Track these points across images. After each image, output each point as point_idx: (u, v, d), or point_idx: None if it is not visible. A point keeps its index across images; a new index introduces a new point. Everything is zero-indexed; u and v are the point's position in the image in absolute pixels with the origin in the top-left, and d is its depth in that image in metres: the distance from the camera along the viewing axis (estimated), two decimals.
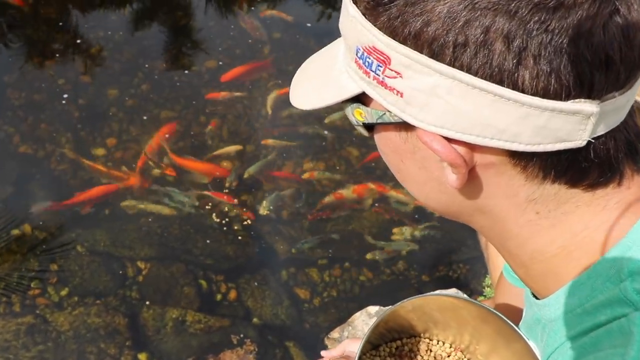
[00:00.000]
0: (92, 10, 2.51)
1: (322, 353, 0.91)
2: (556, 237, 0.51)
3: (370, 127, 0.54)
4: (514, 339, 0.87)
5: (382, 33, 0.46)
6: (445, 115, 0.46)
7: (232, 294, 1.72)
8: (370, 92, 0.49)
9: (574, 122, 0.44)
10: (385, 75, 0.47)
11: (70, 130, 2.05)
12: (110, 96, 2.17)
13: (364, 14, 0.47)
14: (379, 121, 0.50)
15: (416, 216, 1.91)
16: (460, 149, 0.47)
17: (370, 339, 0.88)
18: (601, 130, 0.45)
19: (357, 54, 0.49)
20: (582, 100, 0.43)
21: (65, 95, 2.15)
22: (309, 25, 2.55)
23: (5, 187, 1.87)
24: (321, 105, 0.54)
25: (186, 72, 2.31)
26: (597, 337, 0.48)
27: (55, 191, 1.89)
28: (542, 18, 0.41)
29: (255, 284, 1.76)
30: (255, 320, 1.67)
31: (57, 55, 2.29)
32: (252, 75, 2.27)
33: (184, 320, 1.62)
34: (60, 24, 2.42)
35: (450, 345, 1.03)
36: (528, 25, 0.42)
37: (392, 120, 0.49)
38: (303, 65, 0.60)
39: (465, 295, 0.94)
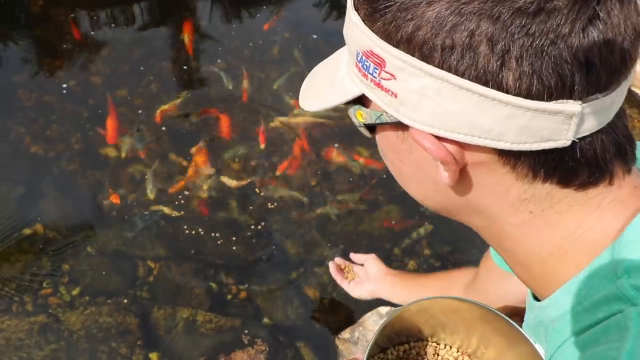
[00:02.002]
0: (101, 11, 2.52)
1: None
2: (551, 236, 0.53)
3: (371, 129, 0.57)
4: (519, 341, 0.87)
5: (378, 37, 0.49)
6: (435, 114, 0.48)
7: (243, 294, 1.73)
8: (368, 94, 0.52)
9: (557, 122, 0.46)
10: (381, 78, 0.50)
11: (80, 131, 2.06)
12: (119, 96, 2.18)
13: (363, 20, 0.50)
14: (377, 121, 0.53)
15: (427, 214, 1.91)
16: (451, 147, 0.50)
17: (378, 342, 0.89)
18: (586, 131, 0.47)
19: (357, 58, 0.52)
20: (564, 100, 0.45)
21: (75, 96, 2.16)
22: (317, 28, 2.55)
23: (17, 187, 1.88)
24: (326, 107, 0.58)
25: (196, 73, 2.32)
26: (595, 334, 0.49)
27: (66, 191, 1.90)
28: (523, 22, 0.43)
29: (265, 284, 1.76)
30: (265, 320, 1.67)
31: (67, 56, 2.31)
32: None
33: (195, 320, 1.63)
34: (70, 25, 2.43)
35: (458, 349, 1.03)
36: (510, 29, 0.43)
37: (388, 121, 0.52)
38: (312, 70, 0.64)
39: (469, 298, 0.94)
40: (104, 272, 1.71)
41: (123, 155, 1.99)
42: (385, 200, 2.00)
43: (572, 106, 0.45)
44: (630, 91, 2.55)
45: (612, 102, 0.47)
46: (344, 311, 1.73)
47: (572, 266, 0.52)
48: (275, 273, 1.79)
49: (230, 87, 2.25)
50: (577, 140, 0.47)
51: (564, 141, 0.47)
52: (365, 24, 0.50)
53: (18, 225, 1.78)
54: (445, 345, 1.05)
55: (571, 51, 0.44)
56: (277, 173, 2.00)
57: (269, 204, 1.92)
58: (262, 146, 2.07)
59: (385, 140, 0.57)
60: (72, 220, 1.83)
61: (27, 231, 1.77)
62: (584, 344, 0.50)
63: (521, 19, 0.43)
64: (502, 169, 0.50)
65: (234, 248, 1.81)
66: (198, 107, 2.17)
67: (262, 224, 1.88)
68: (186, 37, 2.39)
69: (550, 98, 0.45)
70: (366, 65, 0.51)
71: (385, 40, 0.48)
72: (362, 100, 0.55)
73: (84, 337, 1.55)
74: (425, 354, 1.03)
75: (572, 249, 0.52)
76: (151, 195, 1.88)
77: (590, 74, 0.45)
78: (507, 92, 0.45)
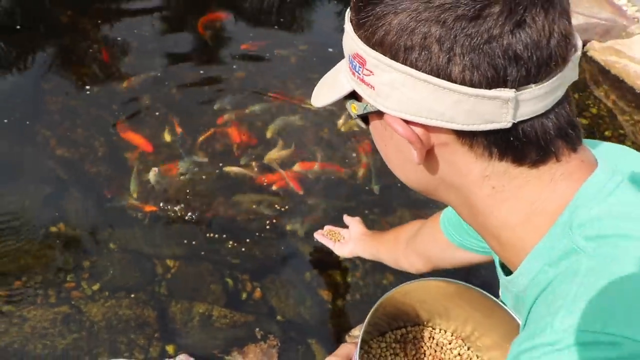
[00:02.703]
0: (125, 20, 2.61)
1: None
2: (515, 208, 0.61)
3: (364, 120, 0.68)
4: (495, 310, 0.94)
5: (361, 42, 0.60)
6: (401, 102, 0.59)
7: (257, 293, 1.78)
8: (356, 88, 0.64)
9: (496, 106, 0.55)
10: (364, 74, 0.61)
11: (104, 135, 2.14)
12: (142, 102, 2.26)
13: (353, 29, 0.61)
14: (364, 111, 0.65)
15: None
16: (417, 130, 0.60)
17: (371, 323, 0.95)
18: (525, 115, 0.56)
19: (349, 60, 0.64)
20: (501, 89, 0.55)
21: (99, 102, 2.25)
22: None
23: (44, 187, 1.96)
24: (329, 102, 0.70)
25: (216, 81, 2.40)
26: (556, 284, 0.57)
27: (89, 192, 1.98)
28: (463, 25, 0.53)
29: (280, 283, 1.81)
30: (279, 317, 1.72)
31: (92, 63, 2.40)
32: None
33: (211, 315, 1.68)
34: (95, 34, 2.53)
35: (452, 334, 1.09)
36: (453, 31, 0.54)
37: (371, 110, 0.63)
38: (323, 77, 0.76)
39: (456, 280, 1.01)
40: (124, 269, 1.78)
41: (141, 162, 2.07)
42: (398, 205, 2.05)
43: (506, 93, 0.54)
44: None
45: (545, 91, 0.56)
46: (355, 311, 1.78)
47: (536, 232, 0.60)
48: (289, 274, 1.84)
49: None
50: (516, 123, 0.56)
51: (505, 123, 0.56)
52: (354, 31, 0.61)
53: (43, 223, 1.86)
54: (441, 329, 1.10)
55: (502, 48, 0.53)
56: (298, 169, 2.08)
57: (286, 205, 1.98)
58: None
59: (374, 129, 0.68)
60: (94, 219, 1.90)
61: (52, 229, 1.85)
62: (547, 295, 0.57)
63: (461, 22, 0.53)
64: (462, 149, 0.60)
65: (251, 249, 1.87)
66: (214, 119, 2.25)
67: (279, 225, 1.94)
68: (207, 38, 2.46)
69: (489, 86, 0.55)
70: (354, 65, 0.62)
71: (365, 44, 0.60)
72: (356, 96, 0.66)
73: (104, 328, 1.61)
74: (422, 338, 1.09)
75: (534, 217, 0.60)
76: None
77: (520, 67, 0.54)
78: (454, 82, 0.55)
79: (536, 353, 0.51)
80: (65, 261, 1.77)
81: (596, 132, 2.47)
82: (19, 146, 2.06)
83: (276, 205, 1.99)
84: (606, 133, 2.49)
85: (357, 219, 1.73)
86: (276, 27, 2.78)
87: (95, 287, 1.72)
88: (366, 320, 0.93)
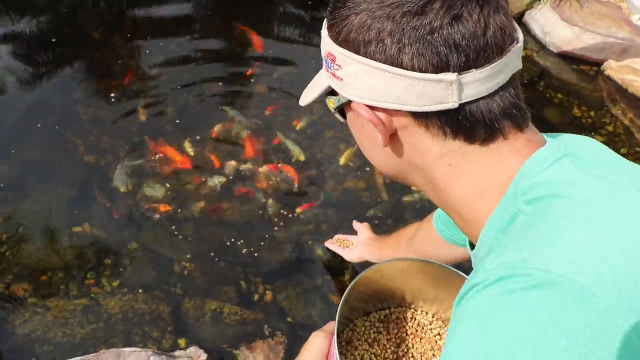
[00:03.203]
0: (155, 38, 2.75)
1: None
2: (471, 183, 0.68)
3: (341, 113, 0.78)
4: (455, 281, 1.01)
5: (332, 41, 0.69)
6: (364, 90, 0.68)
7: (269, 295, 1.84)
8: (330, 83, 0.73)
9: (442, 89, 0.63)
10: (335, 69, 0.70)
11: (130, 145, 2.25)
12: (168, 115, 2.37)
13: (327, 32, 0.70)
14: (338, 104, 0.74)
15: None
16: (380, 115, 0.68)
17: (348, 300, 1.01)
18: (470, 97, 0.64)
19: (325, 60, 0.73)
20: (445, 73, 0.63)
21: (126, 113, 2.37)
22: None
23: (71, 190, 2.07)
24: (312, 99, 0.80)
25: (241, 95, 2.50)
26: (502, 247, 0.63)
27: (114, 197, 2.08)
28: (408, 20, 0.62)
29: (291, 287, 1.87)
30: (289, 319, 1.78)
31: (122, 77, 2.53)
32: None
33: (222, 312, 1.75)
34: (125, 50, 2.67)
35: (433, 315, 1.15)
36: (401, 25, 0.62)
37: (344, 101, 0.72)
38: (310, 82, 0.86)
39: (428, 259, 1.09)
40: (142, 269, 1.86)
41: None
42: (411, 218, 2.10)
43: (449, 76, 0.63)
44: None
45: (487, 76, 0.63)
46: None
47: (489, 205, 0.67)
48: (301, 278, 1.90)
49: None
50: (463, 104, 0.64)
51: (452, 104, 0.64)
52: (327, 33, 0.71)
53: (69, 223, 1.96)
54: (422, 311, 1.16)
55: (443, 38, 0.62)
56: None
57: (304, 213, 2.05)
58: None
59: (350, 122, 0.78)
60: (117, 222, 1.99)
61: (77, 229, 1.95)
62: (497, 258, 0.62)
63: (408, 17, 0.62)
64: (420, 130, 0.68)
65: (264, 253, 1.94)
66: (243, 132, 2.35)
67: (294, 232, 2.00)
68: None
69: (435, 72, 0.63)
70: (328, 63, 0.72)
71: (335, 42, 0.69)
72: (333, 93, 0.76)
73: (121, 320, 1.70)
74: (405, 319, 1.16)
75: (487, 191, 0.67)
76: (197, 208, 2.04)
77: (459, 54, 0.62)
78: (405, 68, 0.63)
79: (470, 294, 0.58)
80: (88, 260, 1.87)
81: (612, 150, 2.49)
82: (50, 151, 2.19)
83: (290, 215, 2.06)
84: (622, 150, 2.51)
85: (366, 224, 1.80)
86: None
87: (115, 284, 1.81)
88: (343, 298, 1.00)
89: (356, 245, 1.76)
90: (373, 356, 1.13)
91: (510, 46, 0.65)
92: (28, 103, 2.37)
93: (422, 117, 0.66)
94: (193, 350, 1.60)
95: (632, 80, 2.80)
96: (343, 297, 1.00)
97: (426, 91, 0.63)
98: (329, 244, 1.85)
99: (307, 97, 0.81)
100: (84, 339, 1.66)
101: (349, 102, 0.71)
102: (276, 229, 2.01)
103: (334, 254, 1.87)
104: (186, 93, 2.48)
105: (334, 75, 0.71)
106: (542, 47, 2.98)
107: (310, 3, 3.04)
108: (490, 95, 0.65)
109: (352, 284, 1.02)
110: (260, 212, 2.05)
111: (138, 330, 1.69)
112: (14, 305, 1.72)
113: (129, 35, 2.73)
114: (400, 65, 0.63)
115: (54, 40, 2.70)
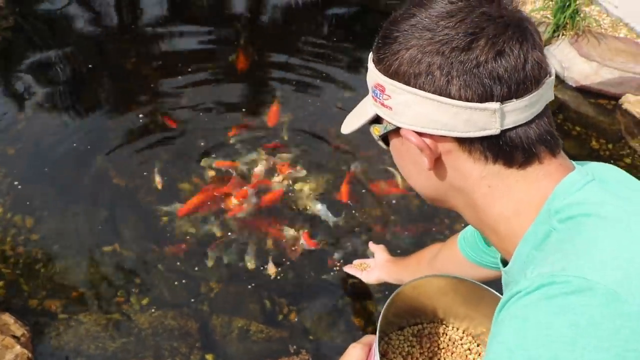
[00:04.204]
0: (181, 74, 2.85)
1: None
2: (508, 203, 0.75)
3: (385, 141, 0.84)
4: (486, 297, 1.05)
5: (380, 73, 0.77)
6: (413, 117, 0.75)
7: (293, 315, 1.88)
8: (377, 111, 0.80)
9: (486, 116, 0.71)
10: (384, 99, 0.77)
11: (158, 168, 2.33)
12: (195, 142, 2.46)
13: (375, 65, 0.78)
14: (385, 131, 0.81)
15: None
16: (427, 140, 0.75)
17: (386, 316, 1.07)
18: (510, 124, 0.72)
19: (371, 90, 0.80)
20: (489, 102, 0.70)
21: (156, 139, 2.46)
22: None
23: (101, 211, 2.14)
24: (357, 127, 0.86)
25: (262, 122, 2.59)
26: (537, 260, 0.69)
27: (142, 218, 2.14)
28: (456, 54, 0.70)
29: (314, 308, 1.91)
30: (311, 337, 1.81)
31: (150, 105, 2.63)
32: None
33: (249, 329, 1.79)
34: (154, 82, 2.78)
35: (463, 331, 1.20)
36: (449, 59, 0.70)
37: (391, 128, 0.79)
38: (351, 112, 0.92)
39: (462, 276, 1.15)
40: (170, 288, 1.91)
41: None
42: (429, 239, 2.14)
43: (493, 105, 0.69)
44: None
45: (525, 105, 0.71)
46: None
47: (526, 222, 0.73)
48: (324, 300, 1.94)
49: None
50: (504, 130, 0.70)
51: (494, 130, 0.71)
52: (375, 66, 0.77)
53: (100, 243, 2.03)
54: (453, 327, 1.22)
55: (487, 71, 0.69)
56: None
57: (325, 239, 2.11)
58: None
59: (393, 148, 0.83)
60: (146, 242, 2.05)
61: (107, 248, 2.02)
62: (535, 269, 0.68)
63: (455, 52, 0.69)
64: (463, 155, 0.74)
65: (289, 275, 1.98)
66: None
67: (317, 255, 2.05)
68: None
69: (480, 101, 0.70)
70: (375, 93, 0.78)
71: (384, 74, 0.75)
72: (378, 121, 0.81)
73: (151, 335, 1.74)
74: (436, 333, 1.21)
75: (523, 210, 0.74)
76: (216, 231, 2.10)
77: (502, 85, 0.69)
78: (453, 98, 0.70)
79: (512, 300, 0.64)
80: (118, 277, 1.93)
81: None
82: (81, 172, 2.27)
83: (314, 239, 2.11)
84: None
85: (382, 246, 1.85)
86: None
87: (144, 301, 1.86)
88: (382, 313, 1.06)
89: (374, 267, 1.80)
90: None
91: (545, 78, 0.72)
92: (61, 126, 2.49)
93: (466, 143, 0.73)
94: None
95: None
96: (382, 313, 1.06)
97: (472, 118, 0.70)
98: (347, 268, 1.90)
99: (351, 125, 0.87)
100: (115, 352, 1.71)
101: (397, 129, 0.77)
102: (300, 253, 2.06)
103: (356, 278, 1.91)
104: (217, 122, 2.56)
105: (382, 104, 0.77)
106: (560, 81, 3.05)
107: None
108: (528, 123, 0.72)
109: (389, 299, 1.07)
110: (284, 238, 2.11)
111: (167, 345, 1.73)
112: (48, 319, 1.78)
113: (160, 63, 2.84)
114: (448, 95, 0.70)
115: (90, 66, 2.83)
